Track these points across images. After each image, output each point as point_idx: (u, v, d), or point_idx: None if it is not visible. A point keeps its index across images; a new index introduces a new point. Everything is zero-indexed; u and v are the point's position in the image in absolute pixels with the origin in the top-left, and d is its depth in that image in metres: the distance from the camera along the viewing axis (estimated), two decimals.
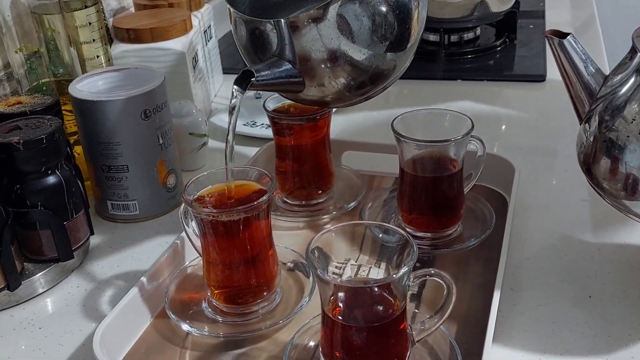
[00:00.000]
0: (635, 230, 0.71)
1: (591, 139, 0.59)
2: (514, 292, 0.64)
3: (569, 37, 0.62)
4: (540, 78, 1.11)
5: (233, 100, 0.60)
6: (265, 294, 0.63)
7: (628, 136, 0.55)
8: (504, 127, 0.99)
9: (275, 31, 0.62)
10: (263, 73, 0.61)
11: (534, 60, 1.18)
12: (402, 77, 0.69)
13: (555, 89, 1.08)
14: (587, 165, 0.60)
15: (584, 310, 0.61)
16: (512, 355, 0.57)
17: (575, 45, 0.62)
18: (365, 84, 0.65)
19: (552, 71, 1.12)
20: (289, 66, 0.62)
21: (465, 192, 0.73)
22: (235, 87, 0.60)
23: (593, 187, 0.61)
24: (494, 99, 1.08)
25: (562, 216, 0.75)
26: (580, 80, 0.62)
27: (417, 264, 0.68)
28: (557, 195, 0.80)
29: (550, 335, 0.59)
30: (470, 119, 0.69)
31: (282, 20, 0.61)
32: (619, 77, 0.59)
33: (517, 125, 0.99)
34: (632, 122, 0.56)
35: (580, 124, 0.63)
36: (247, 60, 0.68)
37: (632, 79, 0.57)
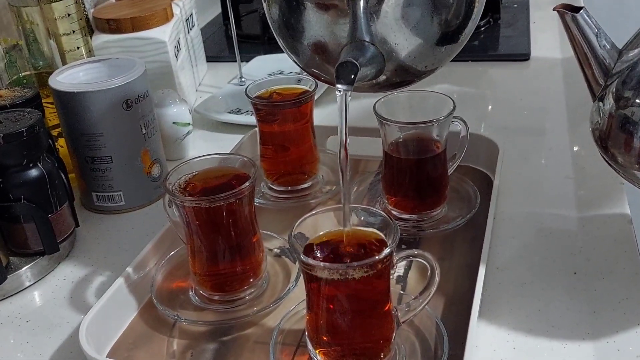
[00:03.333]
0: (618, 206, 0.71)
1: (607, 115, 0.58)
2: (500, 270, 0.64)
3: (582, 11, 0.60)
4: (525, 57, 1.11)
5: (339, 100, 0.52)
6: (251, 280, 0.63)
7: None
8: (490, 107, 0.99)
9: (348, 11, 0.52)
10: (361, 59, 0.52)
11: (518, 39, 1.18)
12: None
13: (539, 68, 1.08)
14: (603, 140, 0.59)
15: (569, 286, 0.61)
16: (498, 333, 0.57)
17: (589, 20, 0.60)
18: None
19: (537, 49, 1.12)
20: (373, 48, 0.53)
21: (449, 173, 0.73)
22: (340, 86, 0.52)
23: (608, 163, 0.60)
24: (479, 80, 1.08)
25: (547, 194, 0.75)
26: (594, 56, 0.60)
27: (403, 246, 0.68)
28: (542, 173, 0.80)
29: (536, 313, 0.59)
30: (453, 100, 0.68)
31: None
32: (636, 50, 0.57)
33: (502, 105, 0.99)
34: None
35: (594, 101, 0.61)
36: (287, 44, 0.59)
37: None
